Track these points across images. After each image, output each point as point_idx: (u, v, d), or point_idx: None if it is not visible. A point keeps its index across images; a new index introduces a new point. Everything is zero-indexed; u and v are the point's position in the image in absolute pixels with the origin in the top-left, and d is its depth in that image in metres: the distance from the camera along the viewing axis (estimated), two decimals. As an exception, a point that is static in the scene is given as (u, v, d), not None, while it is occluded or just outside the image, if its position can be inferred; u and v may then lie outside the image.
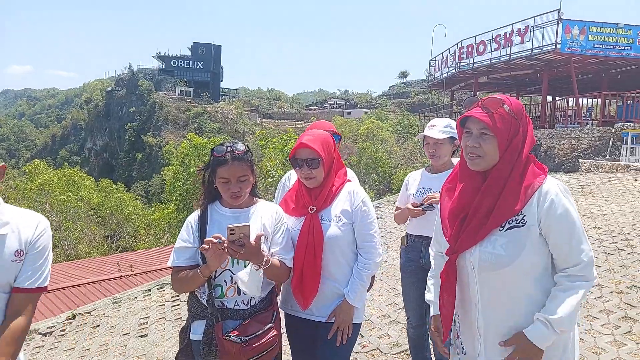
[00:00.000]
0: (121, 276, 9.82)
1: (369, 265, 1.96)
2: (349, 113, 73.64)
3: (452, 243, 1.45)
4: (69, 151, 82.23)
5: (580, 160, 12.13)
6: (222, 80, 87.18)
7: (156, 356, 3.61)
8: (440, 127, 2.51)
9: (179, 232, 1.90)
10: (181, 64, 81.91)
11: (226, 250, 1.61)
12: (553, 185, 1.37)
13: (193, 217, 1.86)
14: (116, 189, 29.95)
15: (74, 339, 4.28)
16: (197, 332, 1.78)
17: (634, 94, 15.12)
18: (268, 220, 1.85)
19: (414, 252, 2.55)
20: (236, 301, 1.77)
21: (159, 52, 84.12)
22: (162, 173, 38.09)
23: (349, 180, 2.08)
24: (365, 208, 1.98)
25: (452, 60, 19.12)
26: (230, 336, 1.69)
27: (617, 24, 15.02)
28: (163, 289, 5.19)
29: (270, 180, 17.74)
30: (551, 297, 1.32)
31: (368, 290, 2.64)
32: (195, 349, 1.79)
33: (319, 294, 1.93)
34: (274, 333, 1.78)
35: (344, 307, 1.92)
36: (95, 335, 4.27)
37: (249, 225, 1.65)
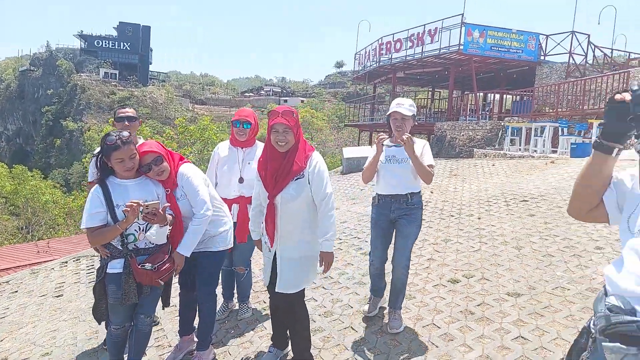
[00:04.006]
0: (40, 262, 9.81)
1: (199, 221, 2.66)
2: (285, 101, 73.91)
3: (270, 191, 2.44)
4: (-25, 136, 74.60)
5: (475, 149, 13.97)
6: (151, 63, 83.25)
7: (70, 309, 4.26)
8: (406, 105, 2.90)
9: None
10: (106, 45, 77.16)
11: (143, 218, 2.36)
12: (316, 156, 2.44)
13: (97, 191, 2.43)
14: (31, 177, 28.27)
15: (-7, 303, 4.76)
16: (116, 267, 2.45)
17: (522, 92, 17.45)
18: (159, 189, 2.64)
19: (385, 208, 3.02)
20: (145, 243, 2.53)
21: (81, 31, 78.62)
22: (83, 160, 36.25)
23: (181, 164, 2.77)
24: (189, 183, 2.66)
25: (374, 55, 20.42)
26: (144, 265, 2.46)
27: (511, 29, 17.06)
28: (79, 261, 5.72)
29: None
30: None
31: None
32: (111, 280, 2.46)
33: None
34: (171, 261, 2.60)
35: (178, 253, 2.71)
36: (13, 298, 4.78)
37: (158, 202, 2.45)
